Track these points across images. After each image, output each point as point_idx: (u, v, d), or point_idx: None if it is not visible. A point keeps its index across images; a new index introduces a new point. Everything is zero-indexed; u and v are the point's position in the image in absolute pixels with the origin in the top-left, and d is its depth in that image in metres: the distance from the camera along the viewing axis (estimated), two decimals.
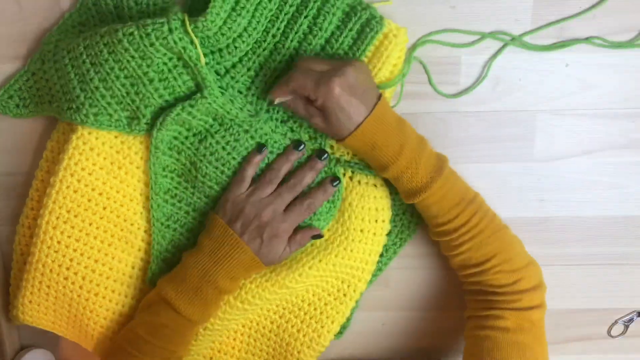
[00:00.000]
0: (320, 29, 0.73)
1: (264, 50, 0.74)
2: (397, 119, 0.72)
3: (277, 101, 0.72)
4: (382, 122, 0.70)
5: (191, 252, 0.75)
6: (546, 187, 0.81)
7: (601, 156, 0.80)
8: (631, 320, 0.86)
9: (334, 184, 0.76)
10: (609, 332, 0.87)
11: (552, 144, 0.80)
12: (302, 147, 0.75)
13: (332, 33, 0.74)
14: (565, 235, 0.83)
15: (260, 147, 0.75)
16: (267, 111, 0.75)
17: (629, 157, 0.80)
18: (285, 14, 0.73)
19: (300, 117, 0.75)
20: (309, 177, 0.75)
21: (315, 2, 0.73)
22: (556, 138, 0.80)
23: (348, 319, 0.83)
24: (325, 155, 0.75)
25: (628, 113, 0.79)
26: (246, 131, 0.74)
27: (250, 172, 0.75)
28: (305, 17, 0.73)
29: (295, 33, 0.74)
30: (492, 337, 0.71)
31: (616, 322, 0.86)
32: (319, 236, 0.77)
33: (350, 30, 0.73)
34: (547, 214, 0.82)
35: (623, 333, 0.87)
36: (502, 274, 0.73)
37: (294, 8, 0.74)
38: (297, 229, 0.76)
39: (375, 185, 0.78)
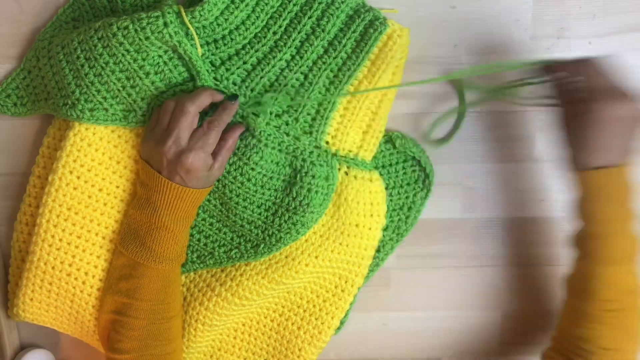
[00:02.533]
0: (323, 31, 0.73)
1: (263, 45, 0.74)
2: (631, 190, 0.68)
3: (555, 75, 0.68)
4: (624, 182, 0.66)
5: (133, 202, 0.74)
6: (546, 187, 0.81)
7: None
8: None
9: (234, 100, 0.73)
10: None
11: (552, 144, 0.80)
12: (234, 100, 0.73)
13: (336, 35, 0.74)
14: (565, 235, 0.83)
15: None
16: (260, 104, 0.75)
17: None
18: (288, 13, 0.74)
19: (317, 108, 0.75)
20: (225, 118, 0.72)
21: (319, 3, 0.73)
22: (556, 138, 0.80)
23: (346, 313, 0.83)
24: (236, 97, 0.73)
25: None
26: (239, 122, 0.75)
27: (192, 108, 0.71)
28: (309, 17, 0.73)
29: (298, 33, 0.74)
30: None
31: None
32: (247, 132, 0.74)
33: (354, 32, 0.73)
34: (547, 214, 0.82)
35: None
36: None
37: (297, 7, 0.74)
38: (226, 135, 0.73)
39: (370, 180, 0.78)
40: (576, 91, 0.67)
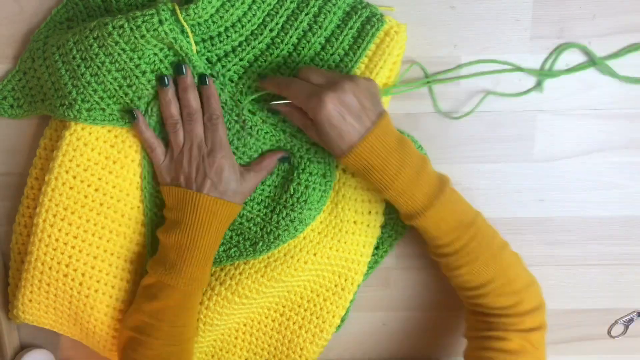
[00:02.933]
0: (321, 27, 0.74)
1: (259, 43, 0.74)
2: (398, 140, 0.70)
3: (273, 105, 0.73)
4: (380, 144, 0.68)
5: (161, 230, 0.74)
6: (546, 187, 0.81)
7: (601, 156, 0.80)
8: (631, 320, 0.86)
9: (207, 81, 0.73)
10: (609, 332, 0.87)
11: (552, 144, 0.80)
12: (182, 69, 0.72)
13: (333, 32, 0.74)
14: (565, 235, 0.83)
15: (131, 112, 0.73)
16: (258, 101, 0.75)
17: (629, 157, 0.80)
18: (285, 10, 0.74)
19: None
20: (192, 98, 0.73)
21: (316, 0, 0.73)
22: (556, 138, 0.80)
23: (347, 311, 0.83)
24: (205, 77, 0.73)
25: (628, 113, 0.79)
26: (236, 121, 0.75)
27: (148, 134, 0.74)
28: (306, 14, 0.74)
29: (295, 30, 0.74)
30: (495, 358, 0.70)
31: (616, 322, 0.86)
32: (285, 158, 0.76)
33: (351, 28, 0.74)
34: (547, 214, 0.82)
35: (623, 333, 0.87)
36: (503, 296, 0.72)
37: (294, 4, 0.74)
38: (264, 155, 0.76)
39: None
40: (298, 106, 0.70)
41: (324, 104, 0.66)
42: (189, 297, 0.73)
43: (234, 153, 0.75)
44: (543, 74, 0.77)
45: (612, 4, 0.76)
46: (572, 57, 0.78)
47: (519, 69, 0.77)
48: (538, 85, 0.78)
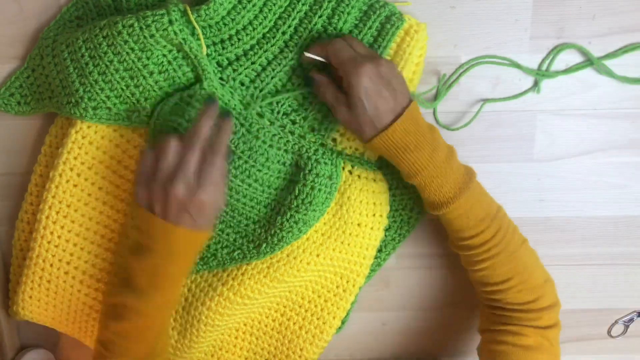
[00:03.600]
0: (335, 29, 0.73)
1: (272, 46, 0.74)
2: (429, 125, 0.70)
3: (307, 55, 0.71)
4: (414, 126, 0.67)
5: (131, 249, 0.68)
6: (546, 187, 0.81)
7: (601, 156, 0.80)
8: (631, 320, 0.86)
9: (226, 117, 0.70)
10: (609, 332, 0.87)
11: (552, 144, 0.80)
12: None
13: (351, 32, 0.73)
14: (565, 235, 0.83)
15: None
16: (270, 104, 0.75)
17: (629, 157, 0.80)
18: (297, 12, 0.73)
19: (325, 104, 0.73)
20: (206, 126, 0.68)
21: (329, 2, 0.72)
22: (556, 138, 0.80)
23: (348, 313, 0.83)
24: (229, 114, 0.71)
25: (628, 113, 0.79)
26: (242, 124, 0.74)
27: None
28: (320, 16, 0.73)
29: (309, 32, 0.73)
30: (513, 353, 0.70)
31: (616, 322, 0.86)
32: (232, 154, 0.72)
33: (370, 28, 0.73)
34: (547, 214, 0.82)
35: (623, 333, 0.87)
36: (523, 292, 0.72)
37: (306, 7, 0.73)
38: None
39: (374, 180, 0.78)
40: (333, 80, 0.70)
41: (364, 69, 0.66)
42: (157, 320, 0.70)
43: (240, 157, 0.74)
44: (540, 74, 0.77)
45: (612, 4, 0.76)
46: (570, 57, 0.78)
47: (517, 65, 0.77)
48: (535, 85, 0.78)
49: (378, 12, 0.73)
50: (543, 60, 0.77)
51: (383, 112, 0.67)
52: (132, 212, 0.74)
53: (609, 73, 0.77)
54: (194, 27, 0.70)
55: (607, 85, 0.78)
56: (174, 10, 0.68)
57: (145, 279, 0.67)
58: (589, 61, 0.77)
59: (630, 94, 0.79)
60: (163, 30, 0.68)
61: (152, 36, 0.69)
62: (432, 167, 0.68)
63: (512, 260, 0.71)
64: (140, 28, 0.68)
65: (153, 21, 0.68)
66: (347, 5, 0.72)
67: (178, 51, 0.71)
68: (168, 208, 0.65)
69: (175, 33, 0.69)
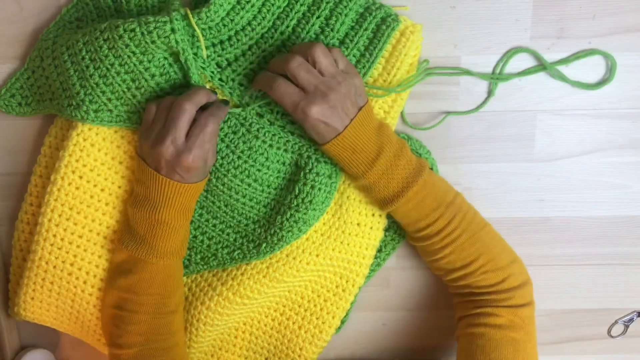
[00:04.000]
0: (332, 30, 0.73)
1: (270, 46, 0.74)
2: (378, 125, 0.72)
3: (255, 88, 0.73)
4: (359, 131, 0.70)
5: (131, 201, 0.73)
6: (546, 187, 0.81)
7: (601, 156, 0.80)
8: (631, 320, 0.86)
9: (224, 104, 0.72)
10: (609, 332, 0.87)
11: (552, 144, 0.80)
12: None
13: (347, 34, 0.74)
14: (565, 235, 0.83)
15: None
16: (269, 104, 0.75)
17: (629, 157, 0.80)
18: (295, 13, 0.73)
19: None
20: (201, 93, 0.70)
21: (327, 3, 0.73)
22: (556, 138, 0.80)
23: (347, 313, 0.83)
24: (227, 104, 0.72)
25: (628, 113, 0.79)
26: (242, 124, 0.74)
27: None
28: (317, 17, 0.73)
29: (307, 33, 0.73)
30: (486, 334, 0.71)
31: (616, 322, 0.86)
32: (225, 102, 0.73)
33: (366, 29, 0.73)
34: (547, 214, 0.82)
35: (623, 333, 0.87)
36: (489, 273, 0.73)
37: (305, 7, 0.73)
38: (190, 134, 0.69)
39: None
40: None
41: (309, 118, 0.68)
42: (163, 269, 0.73)
43: (240, 157, 0.74)
44: (495, 77, 0.77)
45: (612, 4, 0.76)
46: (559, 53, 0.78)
47: (468, 72, 0.77)
48: (490, 90, 0.78)
49: (374, 13, 0.73)
50: (497, 64, 0.78)
51: (329, 135, 0.70)
52: (134, 166, 0.75)
53: (562, 77, 0.77)
54: (194, 31, 0.70)
55: (607, 85, 0.78)
56: (176, 19, 0.68)
57: (145, 226, 0.72)
58: (541, 65, 0.77)
59: (630, 94, 0.79)
60: (164, 37, 0.68)
61: (153, 42, 0.68)
62: (378, 166, 0.70)
63: (473, 244, 0.73)
64: (142, 34, 0.68)
65: (155, 28, 0.68)
66: (345, 7, 0.73)
67: (176, 57, 0.71)
68: (159, 164, 0.69)
69: (176, 41, 0.69)
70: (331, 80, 0.69)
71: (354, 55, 0.74)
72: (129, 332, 0.73)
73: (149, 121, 0.71)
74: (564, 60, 0.77)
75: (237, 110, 0.74)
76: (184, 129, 0.68)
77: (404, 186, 0.71)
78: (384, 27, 0.73)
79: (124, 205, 0.77)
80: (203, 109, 0.71)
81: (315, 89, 0.68)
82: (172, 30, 0.68)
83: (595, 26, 0.77)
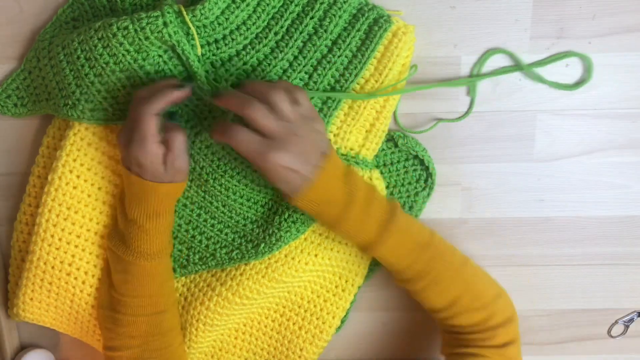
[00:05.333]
0: (326, 31, 0.73)
1: (264, 46, 0.74)
2: (344, 174, 0.69)
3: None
4: (325, 184, 0.67)
5: (120, 197, 0.74)
6: (546, 187, 0.81)
7: (601, 156, 0.80)
8: (631, 320, 0.86)
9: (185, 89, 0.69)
10: (609, 332, 0.87)
11: (552, 144, 0.80)
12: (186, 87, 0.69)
13: (339, 35, 0.74)
14: (565, 235, 0.83)
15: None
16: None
17: (629, 157, 0.80)
18: (290, 13, 0.73)
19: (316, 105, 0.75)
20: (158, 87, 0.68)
21: (321, 3, 0.73)
22: (556, 138, 0.80)
23: (347, 313, 0.83)
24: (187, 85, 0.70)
25: (628, 113, 0.79)
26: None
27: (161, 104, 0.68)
28: (311, 18, 0.73)
29: (300, 33, 0.73)
30: None
31: (616, 322, 0.86)
32: (173, 113, 0.72)
33: (358, 30, 0.73)
34: (547, 214, 0.82)
35: (623, 333, 0.87)
36: (472, 312, 0.72)
37: (299, 8, 0.74)
38: (167, 136, 0.69)
39: (370, 179, 0.77)
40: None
41: (269, 165, 0.64)
42: (147, 270, 0.73)
43: (236, 157, 0.74)
44: (473, 77, 0.77)
45: (612, 4, 0.76)
46: (572, 57, 0.78)
47: (448, 84, 0.77)
48: (469, 90, 0.78)
49: (367, 14, 0.73)
50: (475, 65, 0.77)
51: (293, 184, 0.66)
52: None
53: (539, 78, 0.77)
54: (188, 28, 0.70)
55: (607, 85, 0.78)
56: (168, 12, 0.68)
57: (123, 224, 0.72)
58: (518, 66, 0.77)
59: (630, 94, 0.79)
60: (157, 32, 0.68)
61: (147, 38, 0.69)
62: (351, 214, 0.69)
63: (452, 284, 0.72)
64: (135, 30, 0.68)
65: (147, 23, 0.68)
66: (339, 8, 0.73)
67: (173, 51, 0.71)
68: (127, 158, 0.68)
69: (169, 35, 0.69)
70: (292, 125, 0.65)
71: (346, 56, 0.74)
72: (121, 334, 0.73)
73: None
74: (541, 62, 0.77)
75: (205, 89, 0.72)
76: (133, 121, 0.67)
77: (378, 232, 0.70)
78: (376, 28, 0.73)
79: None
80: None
81: (277, 134, 0.64)
82: (165, 24, 0.68)
83: (595, 26, 0.77)
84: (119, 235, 0.73)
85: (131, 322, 0.73)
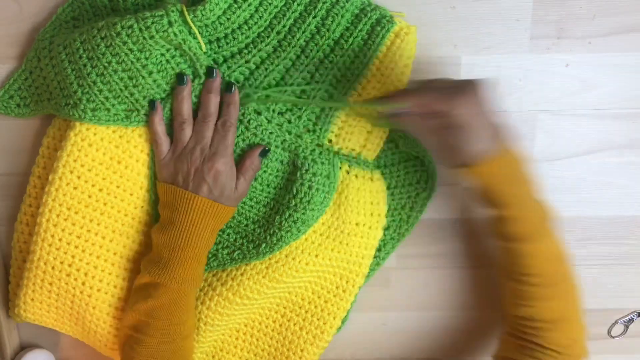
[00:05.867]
0: (328, 30, 0.73)
1: (266, 45, 0.74)
2: (523, 167, 0.70)
3: (392, 111, 0.69)
4: (513, 161, 0.68)
5: (156, 227, 0.75)
6: (546, 187, 0.81)
7: (601, 156, 0.80)
8: (631, 320, 0.86)
9: (233, 89, 0.73)
10: (609, 332, 0.87)
11: (552, 144, 0.80)
12: (214, 73, 0.72)
13: (342, 34, 0.74)
14: (565, 235, 0.83)
15: (152, 103, 0.73)
16: (265, 103, 0.75)
17: (629, 157, 0.80)
18: (292, 12, 0.74)
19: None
20: (213, 102, 0.73)
21: (324, 3, 0.73)
22: (556, 138, 0.80)
23: (347, 313, 0.83)
24: (232, 86, 0.73)
25: (628, 113, 0.79)
26: (240, 121, 0.74)
27: (159, 128, 0.74)
28: (314, 17, 0.73)
29: (302, 32, 0.74)
30: None
31: (616, 322, 0.86)
32: (266, 151, 0.75)
33: (361, 30, 0.73)
34: None
35: (623, 333, 0.87)
36: (562, 334, 0.72)
37: (301, 7, 0.74)
38: (244, 157, 0.75)
39: (371, 179, 0.78)
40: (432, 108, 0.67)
41: (470, 98, 0.65)
42: (183, 296, 0.73)
43: (239, 155, 0.74)
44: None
45: (612, 4, 0.76)
46: (572, 57, 0.78)
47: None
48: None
49: (369, 14, 0.73)
50: None
51: (485, 140, 0.66)
52: (157, 193, 0.76)
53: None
54: (190, 27, 0.71)
55: (607, 85, 0.78)
56: (172, 12, 0.68)
57: (168, 251, 0.72)
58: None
59: (630, 94, 0.79)
60: (163, 32, 0.68)
61: (151, 37, 0.69)
62: (526, 201, 0.69)
63: (562, 303, 0.71)
64: (140, 29, 0.68)
65: (152, 22, 0.68)
66: (341, 7, 0.73)
67: (176, 50, 0.72)
68: (187, 177, 0.72)
69: (175, 34, 0.69)
70: None
71: (348, 56, 0.74)
72: (142, 354, 0.73)
73: (166, 148, 0.74)
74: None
75: (264, 123, 0.74)
76: (209, 137, 0.73)
77: (538, 228, 0.70)
78: (378, 28, 0.73)
79: (123, 205, 0.77)
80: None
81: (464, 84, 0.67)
82: (169, 23, 0.68)
83: (595, 26, 0.77)
84: (157, 261, 0.73)
85: (155, 344, 0.73)
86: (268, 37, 0.74)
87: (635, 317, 0.86)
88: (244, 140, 0.75)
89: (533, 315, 0.72)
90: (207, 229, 0.73)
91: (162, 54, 0.71)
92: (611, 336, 0.87)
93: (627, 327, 0.86)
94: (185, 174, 0.72)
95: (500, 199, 0.69)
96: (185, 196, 0.72)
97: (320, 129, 0.76)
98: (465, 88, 0.66)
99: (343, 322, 0.83)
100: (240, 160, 0.75)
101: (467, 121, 0.65)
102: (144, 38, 0.69)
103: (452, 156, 0.69)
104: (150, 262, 0.74)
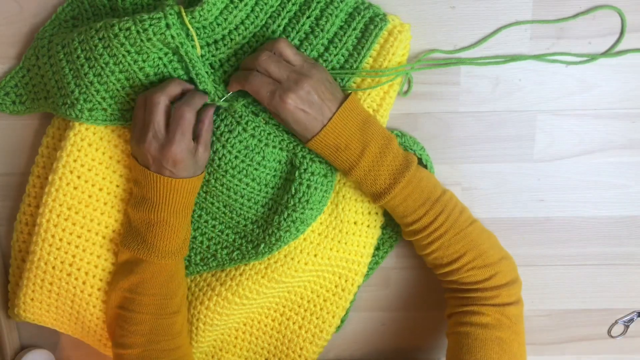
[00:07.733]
0: (322, 30, 0.73)
1: (261, 45, 0.74)
2: (362, 121, 0.71)
3: (230, 92, 0.73)
4: (342, 127, 0.70)
5: (130, 204, 0.74)
6: (546, 187, 0.81)
7: (601, 156, 0.80)
8: (631, 320, 0.86)
9: (204, 93, 0.72)
10: (609, 332, 0.87)
11: (552, 144, 0.80)
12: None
13: (336, 33, 0.74)
14: (565, 235, 0.83)
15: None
16: (258, 103, 0.75)
17: (629, 157, 0.80)
18: (287, 12, 0.74)
19: None
20: (173, 84, 0.70)
21: (318, 3, 0.73)
22: (556, 138, 0.80)
23: (347, 312, 0.83)
24: (206, 94, 0.72)
25: (628, 113, 0.79)
26: (238, 122, 0.74)
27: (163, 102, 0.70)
28: (308, 17, 0.73)
29: (297, 32, 0.74)
30: (472, 333, 0.71)
31: (616, 322, 0.86)
32: (218, 107, 0.74)
33: (354, 29, 0.74)
34: (547, 214, 0.82)
35: (623, 333, 0.87)
36: (476, 270, 0.73)
37: (296, 7, 0.74)
38: (198, 123, 0.71)
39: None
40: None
41: (285, 104, 0.68)
42: (165, 268, 0.74)
43: (237, 156, 0.74)
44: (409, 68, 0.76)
45: (612, 4, 0.76)
46: (572, 57, 0.78)
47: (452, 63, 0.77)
48: (408, 85, 0.78)
49: (362, 13, 0.73)
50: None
51: (311, 127, 0.70)
52: (131, 168, 0.75)
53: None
54: (187, 29, 0.70)
55: (607, 85, 0.78)
56: (170, 14, 0.68)
57: (144, 227, 0.72)
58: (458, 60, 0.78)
59: (630, 94, 0.79)
60: (160, 34, 0.68)
61: (149, 40, 0.69)
62: (363, 163, 0.71)
63: (459, 240, 0.73)
64: (137, 32, 0.68)
65: (150, 25, 0.68)
66: (336, 7, 0.73)
67: (173, 54, 0.71)
68: (148, 161, 0.70)
69: (172, 37, 0.69)
70: (301, 68, 0.70)
71: (342, 55, 0.74)
72: (132, 332, 0.73)
73: (134, 120, 0.72)
74: (543, 56, 0.77)
75: (225, 105, 0.74)
76: (161, 122, 0.69)
77: (390, 182, 0.71)
78: (371, 26, 0.73)
79: (123, 204, 0.77)
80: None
81: (288, 77, 0.69)
82: (167, 26, 0.68)
83: (595, 26, 0.77)
84: (135, 236, 0.73)
85: (144, 320, 0.73)
86: (263, 37, 0.74)
87: (635, 317, 0.86)
88: (240, 141, 0.74)
89: (436, 261, 0.75)
90: (179, 204, 0.72)
91: (160, 58, 0.71)
92: (611, 336, 0.87)
93: (627, 327, 0.86)
94: (144, 158, 0.70)
95: (342, 165, 0.72)
96: (150, 176, 0.70)
97: None
98: (284, 89, 0.69)
99: (343, 321, 0.83)
100: (194, 129, 0.71)
101: (287, 120, 0.70)
102: (142, 40, 0.69)
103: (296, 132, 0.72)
104: (128, 238, 0.74)
